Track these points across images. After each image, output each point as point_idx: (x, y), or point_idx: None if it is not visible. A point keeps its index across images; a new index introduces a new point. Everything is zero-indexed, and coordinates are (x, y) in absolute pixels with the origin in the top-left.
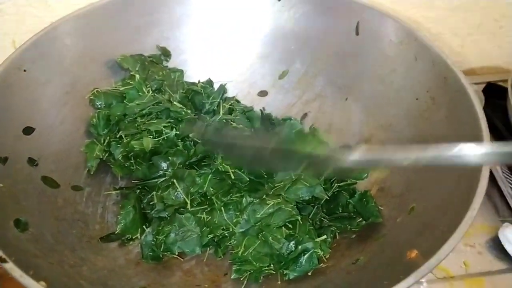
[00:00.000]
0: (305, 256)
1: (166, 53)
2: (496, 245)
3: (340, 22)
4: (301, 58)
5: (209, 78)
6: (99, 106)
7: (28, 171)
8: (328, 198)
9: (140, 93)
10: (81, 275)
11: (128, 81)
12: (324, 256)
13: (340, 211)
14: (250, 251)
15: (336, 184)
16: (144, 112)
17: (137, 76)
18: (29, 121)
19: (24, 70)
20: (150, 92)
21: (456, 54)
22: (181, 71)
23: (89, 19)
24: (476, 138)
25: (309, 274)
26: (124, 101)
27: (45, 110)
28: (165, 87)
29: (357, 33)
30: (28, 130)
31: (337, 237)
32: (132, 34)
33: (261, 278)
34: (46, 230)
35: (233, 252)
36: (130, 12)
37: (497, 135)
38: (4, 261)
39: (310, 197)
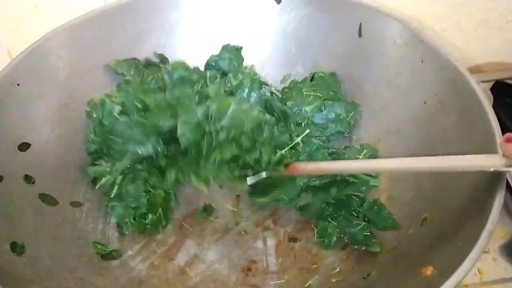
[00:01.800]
0: None
1: (163, 60)
2: (511, 251)
3: (342, 24)
4: (303, 61)
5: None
6: (95, 117)
7: (24, 189)
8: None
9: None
10: None
11: (124, 86)
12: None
13: (352, 220)
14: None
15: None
16: None
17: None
18: (24, 137)
19: (18, 85)
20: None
21: (462, 51)
22: None
23: (84, 29)
24: (488, 144)
25: None
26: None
27: (40, 125)
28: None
29: (360, 35)
30: (23, 147)
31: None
32: (129, 42)
33: None
34: (44, 251)
35: None
36: (125, 20)
37: None
38: None
39: None
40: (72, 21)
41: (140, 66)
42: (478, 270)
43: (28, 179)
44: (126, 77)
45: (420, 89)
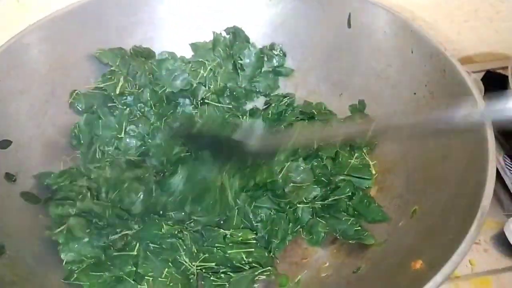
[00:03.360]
0: None
1: (150, 55)
2: (502, 241)
3: (331, 15)
4: (292, 54)
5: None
6: (80, 108)
7: (5, 188)
8: None
9: None
10: None
11: (109, 76)
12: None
13: (341, 217)
14: None
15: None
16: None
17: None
18: (5, 134)
19: None
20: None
21: (453, 42)
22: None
23: (66, 22)
24: (478, 133)
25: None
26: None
27: (23, 122)
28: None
29: (349, 26)
30: (4, 144)
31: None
32: (114, 35)
33: None
34: (26, 251)
35: None
36: (110, 12)
37: None
38: None
39: None
40: (53, 14)
41: (127, 57)
42: (470, 262)
43: (9, 177)
44: (112, 68)
45: (410, 79)
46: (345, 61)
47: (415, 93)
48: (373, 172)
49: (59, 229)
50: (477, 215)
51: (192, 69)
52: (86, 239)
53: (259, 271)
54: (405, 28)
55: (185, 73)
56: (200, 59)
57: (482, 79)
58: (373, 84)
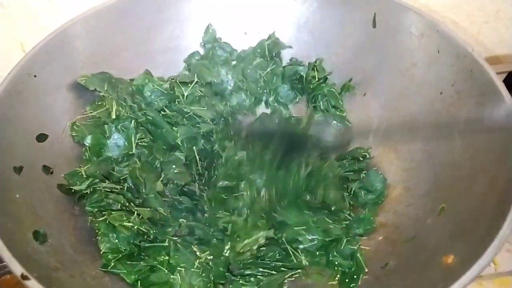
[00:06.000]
0: None
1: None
2: None
3: (356, 15)
4: (316, 53)
5: None
6: (86, 143)
7: (43, 180)
8: None
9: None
10: (104, 286)
11: (99, 103)
12: None
13: None
14: None
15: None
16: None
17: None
18: (42, 128)
19: (35, 76)
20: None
21: (473, 43)
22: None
23: (99, 19)
24: (508, 133)
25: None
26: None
27: (58, 116)
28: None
29: (374, 26)
30: (41, 137)
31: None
32: (144, 33)
33: None
34: (66, 240)
35: None
36: (141, 11)
37: None
38: (25, 278)
39: None
40: (87, 12)
41: (113, 80)
42: (493, 262)
43: (46, 169)
44: (101, 93)
45: (435, 79)
46: (369, 60)
47: (441, 93)
48: None
49: (102, 218)
50: (511, 210)
51: None
52: (124, 235)
53: (289, 274)
54: (432, 28)
55: None
56: None
57: (504, 81)
58: (398, 83)
